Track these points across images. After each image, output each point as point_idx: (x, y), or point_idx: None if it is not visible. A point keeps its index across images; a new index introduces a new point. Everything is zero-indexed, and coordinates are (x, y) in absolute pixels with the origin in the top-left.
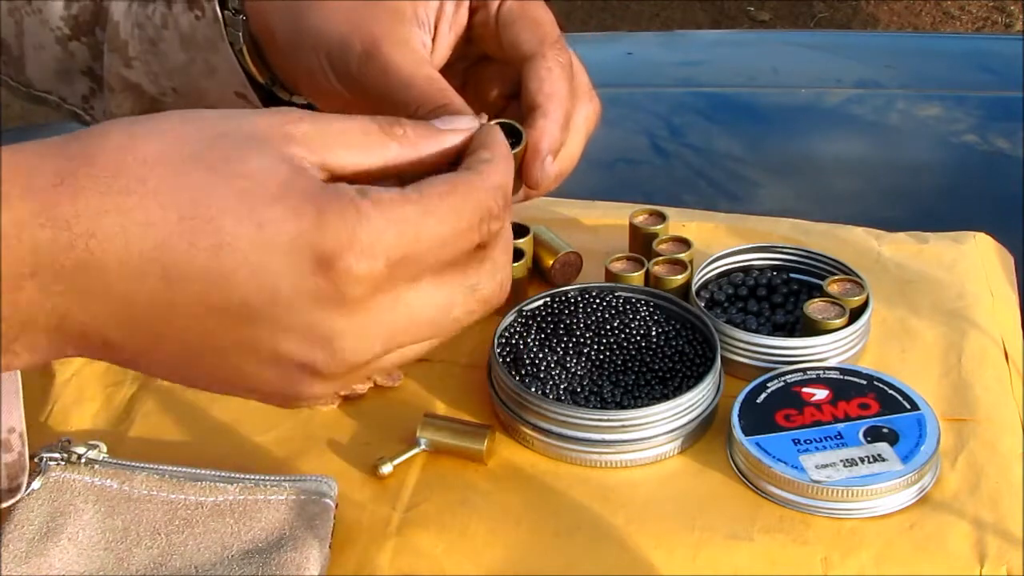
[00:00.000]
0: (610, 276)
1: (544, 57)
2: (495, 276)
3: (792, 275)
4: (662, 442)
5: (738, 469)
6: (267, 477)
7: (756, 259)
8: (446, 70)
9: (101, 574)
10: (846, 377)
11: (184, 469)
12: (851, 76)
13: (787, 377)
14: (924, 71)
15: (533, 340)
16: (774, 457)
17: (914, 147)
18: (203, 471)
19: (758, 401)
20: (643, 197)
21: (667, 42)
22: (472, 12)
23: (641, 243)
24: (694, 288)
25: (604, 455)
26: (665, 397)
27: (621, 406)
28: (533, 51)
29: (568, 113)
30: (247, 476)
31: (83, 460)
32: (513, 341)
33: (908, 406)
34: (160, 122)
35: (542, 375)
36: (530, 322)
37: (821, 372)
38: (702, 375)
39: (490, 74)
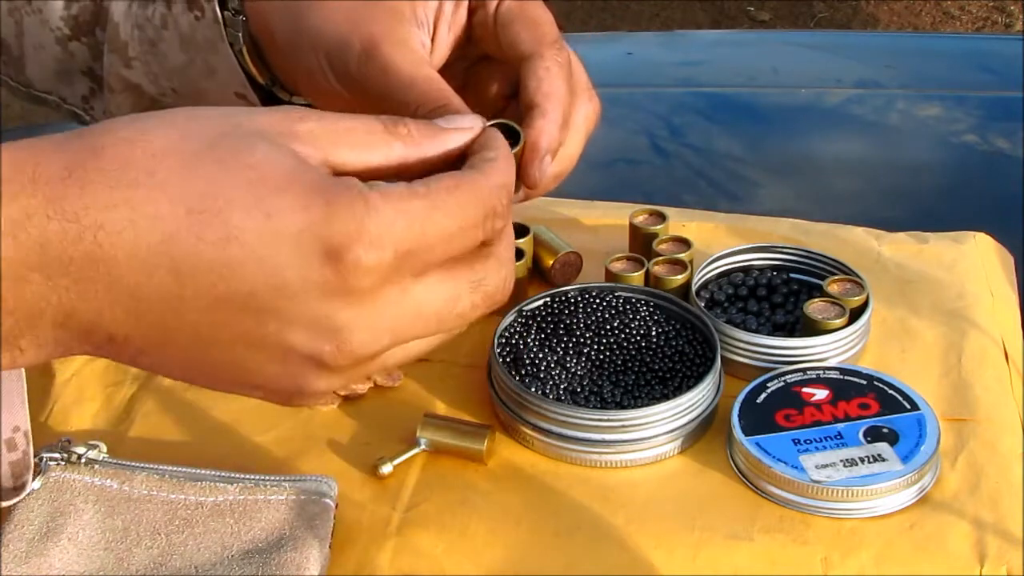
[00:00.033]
0: (610, 276)
1: (542, 57)
2: (500, 271)
3: (792, 275)
4: (662, 442)
5: (738, 469)
6: (267, 477)
7: (756, 259)
8: (446, 70)
9: (101, 574)
10: (846, 377)
11: (184, 469)
12: (851, 76)
13: (787, 377)
14: (924, 71)
15: (533, 340)
16: (774, 457)
17: (914, 147)
18: (203, 471)
19: (758, 401)
20: (643, 197)
21: (667, 42)
22: (471, 12)
23: (641, 243)
24: (694, 288)
25: (604, 455)
26: (665, 397)
27: (621, 406)
28: (531, 51)
29: (566, 112)
30: (247, 476)
31: (83, 460)
32: (513, 341)
33: (908, 406)
34: (167, 117)
35: (542, 375)
36: (530, 322)
37: (821, 372)
38: (702, 375)
39: (490, 74)
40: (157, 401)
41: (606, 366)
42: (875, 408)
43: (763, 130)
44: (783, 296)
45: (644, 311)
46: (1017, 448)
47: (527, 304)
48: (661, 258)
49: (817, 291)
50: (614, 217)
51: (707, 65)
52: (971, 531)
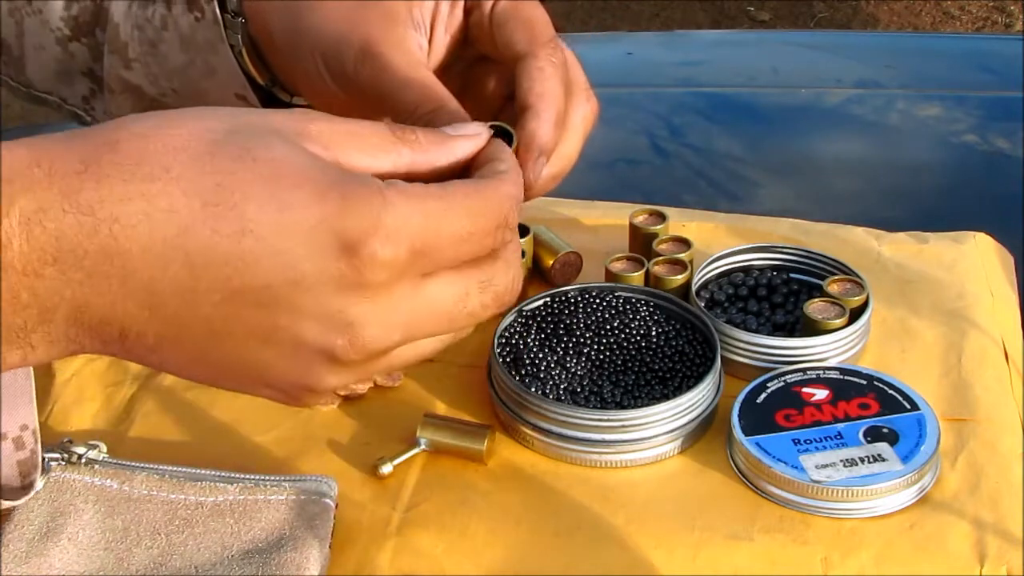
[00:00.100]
0: (610, 276)
1: (536, 57)
2: (508, 272)
3: (792, 275)
4: (662, 442)
5: (738, 469)
6: (267, 477)
7: (756, 259)
8: (444, 71)
9: (101, 574)
10: (846, 377)
11: (184, 469)
12: (851, 76)
13: (787, 377)
14: (924, 71)
15: (533, 340)
16: (774, 457)
17: (914, 147)
18: (203, 471)
19: (758, 401)
20: (643, 197)
21: (667, 42)
22: (467, 13)
23: (641, 243)
24: (694, 288)
25: (604, 455)
26: (665, 397)
27: (621, 406)
28: (525, 51)
29: (561, 113)
30: (247, 476)
31: (83, 460)
32: (513, 341)
33: (908, 406)
34: (181, 114)
35: (542, 375)
36: (530, 322)
37: (821, 372)
38: (702, 375)
39: (488, 75)
40: (157, 401)
41: (606, 366)
42: (875, 408)
43: (763, 130)
44: (783, 296)
45: (644, 311)
46: (1017, 448)
47: (527, 304)
48: (661, 258)
49: (817, 291)
50: (614, 217)
51: (707, 65)
52: (971, 531)
